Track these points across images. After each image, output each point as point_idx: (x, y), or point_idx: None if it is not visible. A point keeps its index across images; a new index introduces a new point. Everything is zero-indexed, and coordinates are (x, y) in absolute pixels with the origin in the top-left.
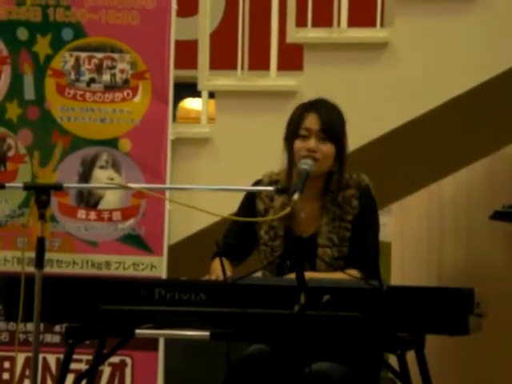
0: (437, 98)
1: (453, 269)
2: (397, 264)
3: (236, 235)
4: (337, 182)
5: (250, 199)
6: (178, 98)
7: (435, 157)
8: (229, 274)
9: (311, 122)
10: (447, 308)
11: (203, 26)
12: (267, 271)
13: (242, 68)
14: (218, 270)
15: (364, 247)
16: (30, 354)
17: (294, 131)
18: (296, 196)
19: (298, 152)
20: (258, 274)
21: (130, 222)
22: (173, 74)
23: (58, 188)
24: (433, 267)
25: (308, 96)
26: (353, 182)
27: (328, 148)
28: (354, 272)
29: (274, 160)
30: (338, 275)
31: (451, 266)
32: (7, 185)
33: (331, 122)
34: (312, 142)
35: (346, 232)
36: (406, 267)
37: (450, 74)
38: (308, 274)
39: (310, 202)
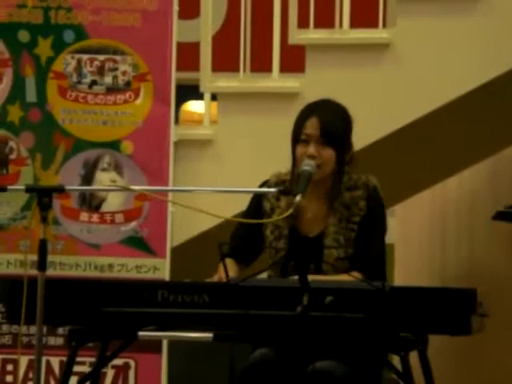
0: (440, 99)
1: (455, 269)
2: (400, 265)
3: (243, 236)
4: (340, 183)
5: (257, 200)
6: (181, 100)
7: (438, 157)
8: (233, 275)
9: (311, 126)
10: (450, 308)
11: (205, 27)
12: (272, 272)
13: (244, 70)
14: (222, 272)
15: (370, 249)
16: (33, 357)
17: (295, 136)
18: (298, 198)
19: (299, 158)
20: (264, 275)
21: (133, 224)
22: (175, 75)
23: (60, 190)
24: (435, 268)
25: (310, 97)
26: (361, 183)
27: (328, 153)
28: (358, 274)
29: (277, 161)
30: (341, 278)
31: (454, 266)
32: (9, 187)
33: (331, 126)
34: (311, 148)
35: (352, 233)
36: (409, 268)
37: (452, 74)
38: (311, 277)
39: (316, 201)
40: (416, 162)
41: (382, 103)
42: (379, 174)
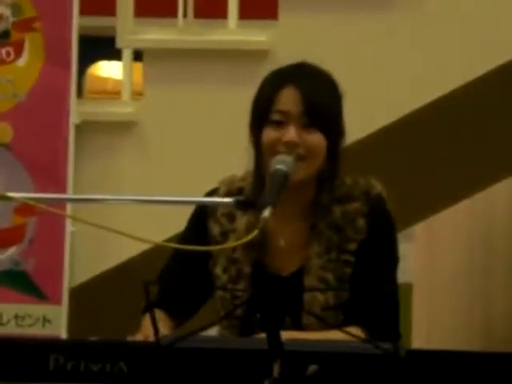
0: (495, 59)
1: (505, 323)
2: (421, 316)
3: (179, 276)
4: (331, 191)
5: (199, 220)
6: (87, 61)
7: (483, 152)
8: (164, 332)
9: (289, 100)
10: (497, 382)
11: None
12: (226, 329)
13: (185, 15)
14: (149, 328)
15: (374, 292)
16: None
17: (261, 115)
18: (267, 212)
19: (271, 147)
20: (212, 333)
21: (11, 251)
22: (77, 22)
23: None
24: (476, 320)
25: (285, 57)
26: (358, 190)
27: (316, 139)
28: (356, 330)
29: (233, 155)
30: (331, 335)
31: (503, 319)
32: None
33: (319, 98)
34: (291, 132)
35: (347, 268)
36: (435, 321)
37: None
38: (288, 334)
39: (292, 222)
40: (447, 158)
41: (398, 68)
42: (390, 176)
